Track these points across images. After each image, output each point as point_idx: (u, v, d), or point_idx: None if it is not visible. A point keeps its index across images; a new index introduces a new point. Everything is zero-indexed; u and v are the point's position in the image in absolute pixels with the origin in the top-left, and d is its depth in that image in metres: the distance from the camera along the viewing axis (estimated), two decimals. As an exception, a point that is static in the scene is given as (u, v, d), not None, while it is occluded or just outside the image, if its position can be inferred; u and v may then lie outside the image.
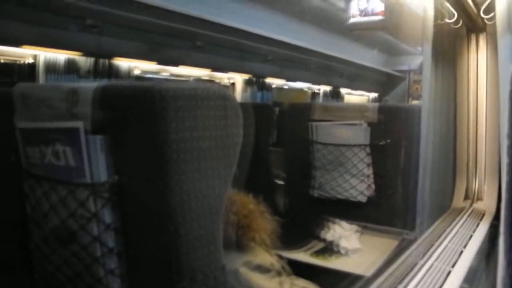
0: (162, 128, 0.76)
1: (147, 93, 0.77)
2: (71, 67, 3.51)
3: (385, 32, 6.27)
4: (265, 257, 1.11)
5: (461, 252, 1.55)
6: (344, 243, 1.88)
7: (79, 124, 0.82)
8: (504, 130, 0.65)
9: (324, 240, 1.96)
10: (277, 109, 3.32)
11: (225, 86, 5.22)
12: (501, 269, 0.42)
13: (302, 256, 1.88)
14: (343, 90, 8.09)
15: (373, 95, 9.52)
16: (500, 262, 0.42)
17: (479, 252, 1.60)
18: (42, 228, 0.90)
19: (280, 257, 1.21)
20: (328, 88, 7.64)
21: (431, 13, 1.86)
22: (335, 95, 7.74)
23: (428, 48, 1.90)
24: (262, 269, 1.08)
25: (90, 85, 0.85)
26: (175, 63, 4.41)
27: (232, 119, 0.86)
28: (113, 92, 0.83)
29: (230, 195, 1.04)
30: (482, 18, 2.07)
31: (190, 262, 0.80)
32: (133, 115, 0.79)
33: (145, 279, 0.83)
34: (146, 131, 0.78)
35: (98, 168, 0.82)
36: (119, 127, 0.81)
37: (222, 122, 0.84)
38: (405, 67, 9.03)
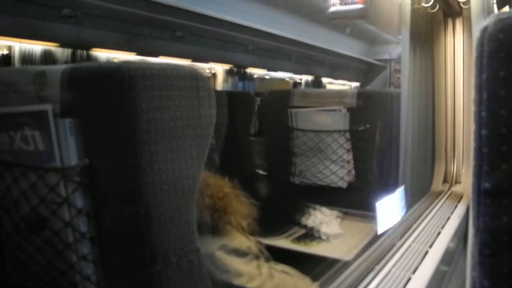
0: (132, 108, 0.74)
1: (116, 73, 0.75)
2: (47, 59, 3.44)
3: (365, 21, 6.28)
4: (242, 241, 1.10)
5: (439, 233, 1.57)
6: (324, 229, 1.89)
7: (47, 107, 0.80)
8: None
9: (305, 226, 1.97)
10: (258, 99, 3.32)
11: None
12: (471, 236, 0.43)
13: (284, 242, 1.88)
14: (324, 80, 8.12)
15: (355, 84, 9.56)
16: (470, 230, 0.43)
17: (456, 234, 1.62)
18: (12, 216, 0.88)
19: (259, 242, 1.20)
20: (309, 77, 7.66)
21: (408, -3, 1.87)
22: (317, 84, 7.77)
23: (406, 33, 1.91)
24: (239, 252, 1.07)
25: (59, 67, 0.83)
26: (155, 54, 4.35)
27: (205, 100, 0.85)
28: (82, 73, 0.81)
29: (205, 178, 1.02)
30: (458, 2, 2.08)
31: (163, 244, 0.79)
32: (103, 96, 0.77)
33: (119, 263, 0.82)
34: (116, 112, 0.76)
35: (68, 151, 0.80)
36: (89, 108, 0.79)
37: (195, 102, 0.83)
38: (386, 56, 9.08)
